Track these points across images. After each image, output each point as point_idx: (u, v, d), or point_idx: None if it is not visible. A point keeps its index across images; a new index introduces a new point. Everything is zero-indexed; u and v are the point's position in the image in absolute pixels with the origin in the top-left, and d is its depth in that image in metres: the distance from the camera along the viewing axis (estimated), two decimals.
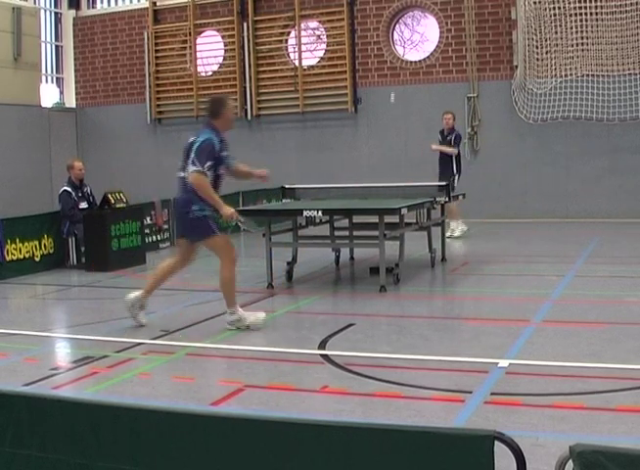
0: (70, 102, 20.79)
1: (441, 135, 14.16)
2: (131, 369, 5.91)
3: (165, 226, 13.83)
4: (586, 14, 15.75)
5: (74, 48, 20.74)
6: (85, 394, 5.22)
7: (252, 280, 9.60)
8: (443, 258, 11.01)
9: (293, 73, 18.45)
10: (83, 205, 11.69)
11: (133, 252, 11.53)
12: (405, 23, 18.88)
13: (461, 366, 5.72)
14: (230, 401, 5.03)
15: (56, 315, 8.85)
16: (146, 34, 19.73)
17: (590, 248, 12.08)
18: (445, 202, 10.72)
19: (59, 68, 20.90)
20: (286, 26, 18.71)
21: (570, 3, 15.79)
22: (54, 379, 5.68)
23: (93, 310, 8.55)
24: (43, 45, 20.16)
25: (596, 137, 16.08)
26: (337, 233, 10.89)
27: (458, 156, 13.94)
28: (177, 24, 19.51)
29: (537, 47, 16.16)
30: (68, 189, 11.63)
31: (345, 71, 17.89)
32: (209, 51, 19.66)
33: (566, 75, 16.02)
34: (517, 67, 16.38)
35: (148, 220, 13.08)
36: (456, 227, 13.91)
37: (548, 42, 16.11)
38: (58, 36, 20.81)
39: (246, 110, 18.80)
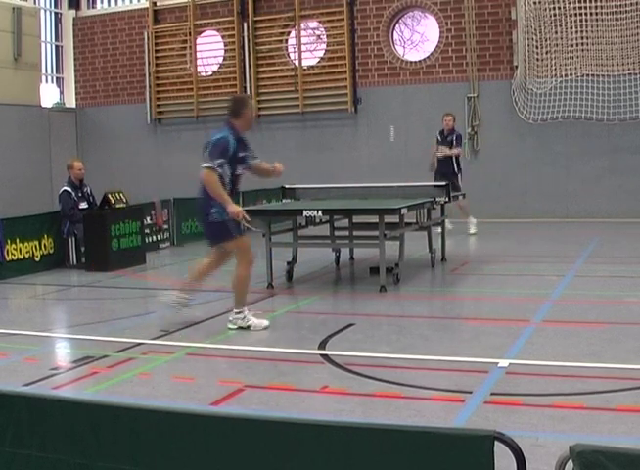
0: (70, 102, 20.80)
1: (441, 136, 14.20)
2: (131, 369, 5.91)
3: (165, 226, 13.83)
4: (586, 14, 15.75)
5: (74, 48, 20.75)
6: (85, 394, 5.22)
7: (253, 280, 9.48)
8: (443, 258, 11.02)
9: (293, 73, 18.45)
10: (83, 205, 11.69)
11: (133, 252, 11.53)
12: (405, 23, 18.89)
13: (461, 366, 5.72)
14: (230, 401, 5.03)
15: (56, 315, 8.85)
16: (146, 34, 19.73)
17: (590, 248, 12.08)
18: (445, 202, 10.72)
19: (59, 68, 20.90)
20: (286, 26, 18.71)
21: (570, 3, 15.79)
22: (54, 379, 5.68)
23: (93, 310, 8.55)
24: (43, 45, 20.16)
25: (596, 137, 16.08)
26: (337, 233, 10.89)
27: (458, 155, 14.04)
28: (177, 24, 19.51)
29: (537, 47, 16.16)
30: (68, 189, 11.63)
31: (345, 71, 17.89)
32: (209, 51, 19.66)
33: (566, 75, 16.02)
34: (517, 67, 16.38)
35: (148, 220, 13.07)
36: (472, 224, 14.05)
37: (548, 42, 16.11)
38: (58, 36, 20.81)
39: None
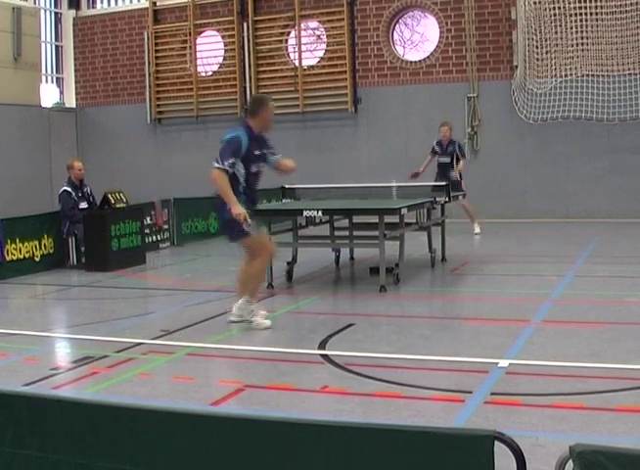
0: (70, 102, 20.80)
1: (440, 147, 14.14)
2: (131, 369, 5.91)
3: (165, 226, 13.83)
4: (586, 14, 15.76)
5: (74, 48, 20.75)
6: (85, 394, 5.22)
7: None
8: (443, 258, 11.02)
9: (293, 73, 18.46)
10: (83, 205, 11.69)
11: (133, 252, 11.53)
12: (405, 23, 18.89)
13: (461, 366, 5.72)
14: (230, 401, 5.03)
15: (56, 315, 8.85)
16: (146, 34, 19.73)
17: (590, 248, 12.08)
18: (445, 202, 10.72)
19: (59, 68, 20.90)
20: (286, 26, 18.71)
21: (570, 3, 15.80)
22: (54, 379, 5.68)
23: (93, 310, 8.55)
24: (43, 45, 20.16)
25: (596, 137, 16.09)
26: (337, 233, 10.89)
27: (458, 161, 14.03)
28: (177, 24, 19.52)
29: (537, 47, 16.16)
30: (68, 189, 11.63)
31: (345, 71, 17.90)
32: (209, 51, 19.67)
33: (566, 75, 16.03)
34: (517, 67, 16.38)
35: (148, 220, 13.07)
36: (476, 225, 14.23)
37: (548, 42, 16.12)
38: (58, 36, 20.82)
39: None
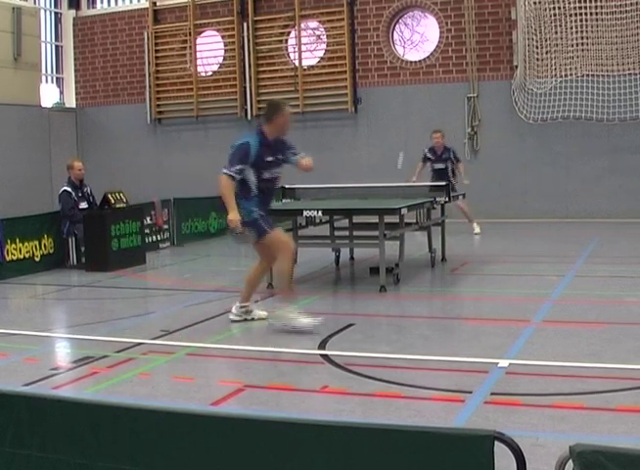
0: (70, 102, 20.80)
1: (432, 154, 14.16)
2: (131, 369, 5.91)
3: (165, 226, 13.83)
4: (586, 14, 15.76)
5: (74, 48, 20.75)
6: (85, 394, 5.22)
7: None
8: (443, 258, 11.01)
9: (293, 73, 18.46)
10: (83, 205, 11.69)
11: (133, 252, 11.53)
12: (405, 23, 18.89)
13: (461, 366, 5.72)
14: (230, 401, 5.03)
15: (56, 315, 8.85)
16: (146, 34, 19.73)
17: (590, 248, 12.08)
18: (445, 202, 10.72)
19: (59, 68, 20.90)
20: (286, 26, 18.71)
21: (570, 3, 15.80)
22: (54, 379, 5.68)
23: (93, 310, 8.55)
24: (43, 45, 20.16)
25: (596, 137, 16.09)
26: (337, 233, 10.89)
27: (453, 167, 14.09)
28: (177, 24, 19.52)
29: (537, 47, 16.16)
30: (68, 189, 11.63)
31: (345, 71, 17.90)
32: (209, 51, 19.67)
33: (566, 75, 16.03)
34: (517, 67, 16.38)
35: (148, 220, 13.08)
36: (475, 225, 14.30)
37: (548, 42, 16.12)
38: (58, 36, 20.82)
39: (246, 110, 18.81)
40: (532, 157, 16.62)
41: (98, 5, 20.79)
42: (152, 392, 5.32)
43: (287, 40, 18.87)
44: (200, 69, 19.59)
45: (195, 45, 19.33)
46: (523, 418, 4.59)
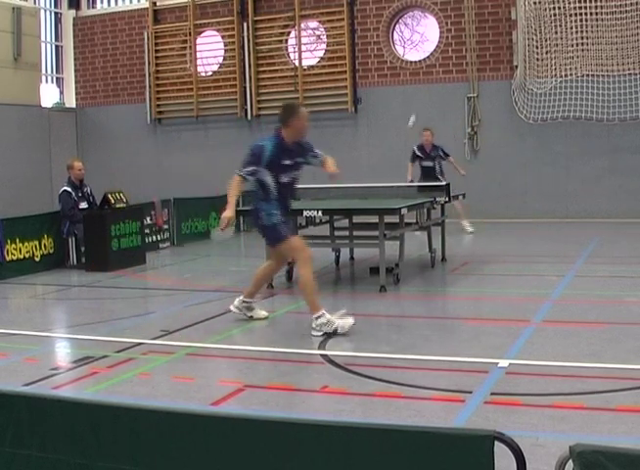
0: (70, 102, 20.80)
1: (422, 151, 14.18)
2: (131, 369, 5.91)
3: (165, 226, 13.83)
4: (586, 14, 15.75)
5: (74, 48, 20.75)
6: (85, 394, 5.22)
7: None
8: (443, 258, 11.01)
9: (293, 73, 18.46)
10: (83, 205, 11.69)
11: (133, 252, 11.53)
12: (405, 23, 18.89)
13: (461, 366, 5.72)
14: (230, 401, 5.03)
15: (56, 315, 8.85)
16: (146, 34, 19.73)
17: (590, 248, 12.08)
18: (446, 202, 10.72)
19: (59, 68, 20.90)
20: (286, 26, 18.71)
21: (570, 3, 15.79)
22: (54, 379, 5.68)
23: (93, 310, 8.55)
24: (43, 45, 20.16)
25: (596, 137, 16.09)
26: (337, 233, 10.89)
27: (440, 164, 14.13)
28: (177, 24, 19.52)
29: (537, 47, 16.16)
30: (68, 189, 11.63)
31: (345, 71, 17.89)
32: (209, 51, 19.67)
33: (566, 75, 16.03)
34: (517, 67, 16.38)
35: (148, 220, 13.08)
36: (467, 224, 14.40)
37: (548, 42, 16.12)
38: (58, 36, 20.82)
39: (246, 110, 18.81)
40: (532, 157, 16.62)
41: (98, 5, 20.79)
42: (152, 392, 5.32)
43: (287, 40, 18.87)
44: (200, 69, 19.59)
45: (195, 45, 19.33)
46: (523, 418, 4.59)
